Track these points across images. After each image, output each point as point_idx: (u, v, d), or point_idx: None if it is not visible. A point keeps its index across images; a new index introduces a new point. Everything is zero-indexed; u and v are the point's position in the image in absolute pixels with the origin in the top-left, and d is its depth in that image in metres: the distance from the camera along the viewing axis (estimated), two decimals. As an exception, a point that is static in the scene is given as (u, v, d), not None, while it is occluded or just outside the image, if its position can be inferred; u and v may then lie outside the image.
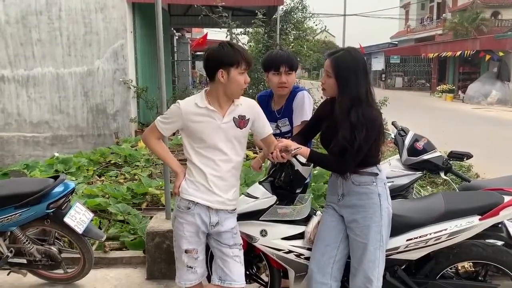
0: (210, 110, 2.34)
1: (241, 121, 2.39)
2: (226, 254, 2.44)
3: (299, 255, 2.58)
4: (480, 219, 2.44)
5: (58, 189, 3.18)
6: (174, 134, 8.22)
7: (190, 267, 2.46)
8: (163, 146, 2.54)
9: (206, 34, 14.19)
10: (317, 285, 2.42)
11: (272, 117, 2.95)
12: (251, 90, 8.63)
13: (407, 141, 3.30)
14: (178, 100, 2.41)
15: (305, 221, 2.63)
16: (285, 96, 2.97)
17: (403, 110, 13.67)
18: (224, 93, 2.34)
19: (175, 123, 2.39)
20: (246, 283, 3.01)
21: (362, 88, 2.30)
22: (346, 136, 2.27)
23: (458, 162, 4.82)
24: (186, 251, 2.44)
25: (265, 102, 3.04)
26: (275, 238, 2.58)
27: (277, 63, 2.88)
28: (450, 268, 2.65)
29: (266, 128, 2.51)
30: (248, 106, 2.44)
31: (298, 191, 2.70)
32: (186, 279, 2.48)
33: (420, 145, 3.24)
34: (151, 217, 4.01)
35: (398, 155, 3.41)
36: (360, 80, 2.30)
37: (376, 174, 2.39)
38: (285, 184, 2.56)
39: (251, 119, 2.43)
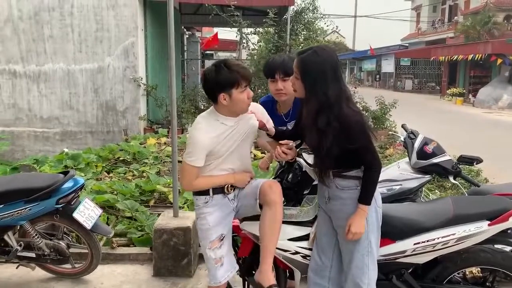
0: (229, 126, 2.39)
1: (260, 122, 2.49)
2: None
3: (305, 256, 2.57)
4: (489, 225, 2.42)
5: (68, 184, 3.21)
6: (182, 131, 8.27)
7: (217, 259, 2.45)
8: (205, 177, 2.45)
9: (217, 34, 14.23)
10: (315, 286, 2.44)
11: (279, 121, 2.89)
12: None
13: (417, 144, 3.28)
14: (195, 134, 2.35)
15: (312, 222, 2.62)
16: (291, 99, 2.91)
17: (412, 113, 13.61)
18: (230, 112, 2.38)
19: (203, 153, 2.35)
20: (252, 282, 3.03)
21: (332, 92, 2.13)
22: (313, 143, 2.18)
23: (468, 166, 4.78)
24: (209, 247, 2.45)
25: (269, 107, 2.95)
26: (281, 239, 2.57)
27: (272, 70, 2.80)
28: (458, 273, 2.63)
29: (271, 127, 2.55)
30: (252, 107, 2.50)
31: (305, 192, 2.70)
32: (220, 276, 2.47)
33: (429, 148, 3.22)
34: (159, 214, 4.03)
35: (407, 158, 3.39)
36: (328, 83, 2.13)
37: (360, 178, 2.26)
38: (293, 185, 2.57)
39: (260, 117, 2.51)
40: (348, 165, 2.26)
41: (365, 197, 2.25)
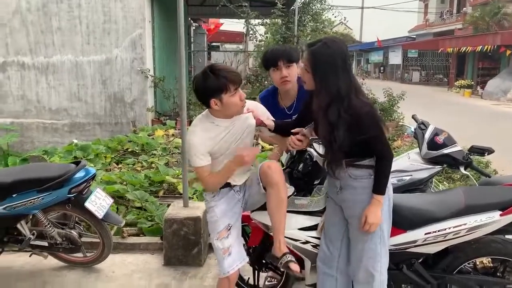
0: (225, 127, 2.41)
1: (257, 119, 2.49)
2: None
3: (315, 246, 2.59)
4: (500, 215, 2.41)
5: (80, 174, 3.24)
6: (190, 123, 8.28)
7: (225, 249, 2.47)
8: (215, 173, 2.47)
9: (220, 25, 14.19)
10: (324, 276, 2.46)
11: (282, 114, 2.85)
12: (255, 87, 8.63)
13: (427, 134, 3.26)
14: (191, 138, 2.39)
15: (322, 212, 2.63)
16: (294, 91, 2.88)
17: (419, 105, 13.53)
18: (224, 115, 2.40)
19: (204, 152, 2.40)
20: (261, 271, 3.06)
21: (342, 84, 2.13)
22: (326, 136, 2.18)
23: (477, 157, 4.74)
24: (217, 237, 2.49)
25: (269, 101, 2.92)
26: (292, 228, 2.60)
27: (274, 59, 2.77)
28: (468, 263, 2.63)
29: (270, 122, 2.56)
30: (251, 105, 2.52)
31: (316, 182, 2.70)
32: (227, 266, 2.47)
33: (440, 139, 3.20)
34: (168, 205, 4.07)
35: (418, 148, 3.38)
36: (339, 75, 2.13)
37: (373, 167, 2.27)
38: (303, 175, 2.58)
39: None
40: (361, 154, 2.26)
41: (379, 187, 2.25)
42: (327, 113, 2.15)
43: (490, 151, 3.18)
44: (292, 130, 2.46)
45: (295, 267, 2.36)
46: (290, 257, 2.38)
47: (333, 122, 2.13)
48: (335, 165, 2.25)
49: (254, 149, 2.55)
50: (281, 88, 2.89)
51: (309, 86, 2.28)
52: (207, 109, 2.46)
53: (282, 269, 2.43)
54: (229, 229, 2.50)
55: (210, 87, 2.28)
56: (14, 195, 3.11)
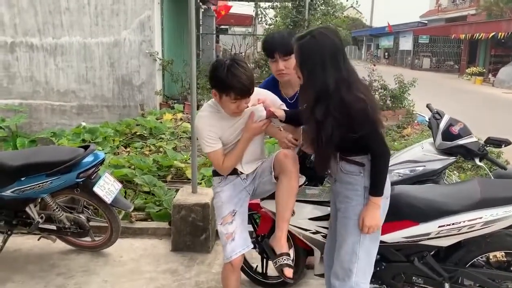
0: (231, 117, 2.36)
1: (268, 111, 2.37)
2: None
3: (325, 236, 2.56)
4: (517, 209, 2.35)
5: (88, 159, 3.21)
6: (198, 107, 8.23)
7: (228, 234, 2.44)
8: (231, 153, 2.43)
9: (229, 7, 14.02)
10: (327, 267, 2.44)
11: (285, 105, 2.70)
12: (264, 71, 8.47)
13: (442, 124, 3.19)
14: (198, 123, 2.38)
15: (333, 202, 2.60)
16: (296, 80, 2.80)
17: (429, 92, 13.35)
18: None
19: (213, 136, 2.37)
20: (270, 259, 3.04)
21: (331, 79, 1.98)
22: (311, 135, 2.08)
23: (489, 148, 4.66)
24: (221, 222, 2.47)
25: (270, 91, 2.72)
26: (302, 218, 2.57)
27: (270, 50, 2.62)
28: (481, 257, 2.58)
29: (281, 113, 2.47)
30: (262, 95, 2.46)
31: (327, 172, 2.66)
32: (230, 251, 2.43)
33: (455, 129, 3.13)
34: (176, 190, 4.05)
35: (432, 138, 3.31)
36: (326, 70, 1.97)
37: (363, 165, 2.14)
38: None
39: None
40: (354, 150, 2.14)
41: (374, 188, 2.13)
42: (314, 111, 2.02)
43: (507, 142, 3.10)
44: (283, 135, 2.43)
45: (288, 273, 2.25)
46: (287, 260, 2.28)
47: (320, 120, 2.00)
48: (321, 165, 2.19)
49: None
50: (279, 79, 2.79)
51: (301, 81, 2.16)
52: (213, 102, 2.42)
53: (274, 269, 2.31)
54: (234, 215, 2.48)
55: (215, 80, 2.22)
56: (23, 179, 3.10)
